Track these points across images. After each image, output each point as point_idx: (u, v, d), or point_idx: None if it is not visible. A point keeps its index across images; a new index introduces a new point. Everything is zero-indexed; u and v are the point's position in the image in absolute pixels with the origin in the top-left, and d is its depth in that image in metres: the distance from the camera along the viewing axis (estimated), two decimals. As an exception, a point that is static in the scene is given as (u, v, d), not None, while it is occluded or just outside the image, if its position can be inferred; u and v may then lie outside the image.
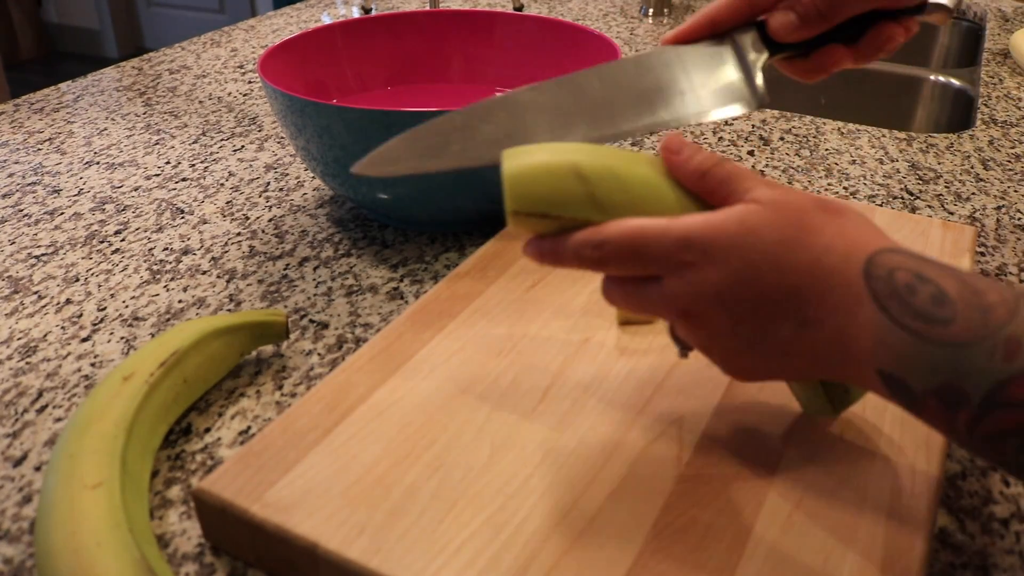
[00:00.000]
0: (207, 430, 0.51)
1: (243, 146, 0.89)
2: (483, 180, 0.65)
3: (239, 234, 0.72)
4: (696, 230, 0.37)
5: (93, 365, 0.57)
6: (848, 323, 0.35)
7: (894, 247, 0.36)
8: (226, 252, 0.69)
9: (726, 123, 0.94)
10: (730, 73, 0.46)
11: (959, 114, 1.14)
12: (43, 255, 0.70)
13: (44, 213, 0.76)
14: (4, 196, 0.79)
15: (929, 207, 0.76)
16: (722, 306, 0.37)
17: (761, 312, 0.37)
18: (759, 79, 0.46)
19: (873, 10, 0.46)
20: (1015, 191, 0.80)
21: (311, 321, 0.60)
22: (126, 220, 0.75)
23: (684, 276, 0.37)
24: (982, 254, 0.69)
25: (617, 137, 0.44)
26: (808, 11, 0.45)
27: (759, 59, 0.47)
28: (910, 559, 0.38)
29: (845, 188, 0.80)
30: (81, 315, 0.62)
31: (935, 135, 0.92)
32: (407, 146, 0.43)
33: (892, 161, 0.86)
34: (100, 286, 0.65)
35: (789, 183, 0.80)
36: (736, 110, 0.46)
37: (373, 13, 1.08)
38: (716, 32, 0.46)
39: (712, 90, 0.46)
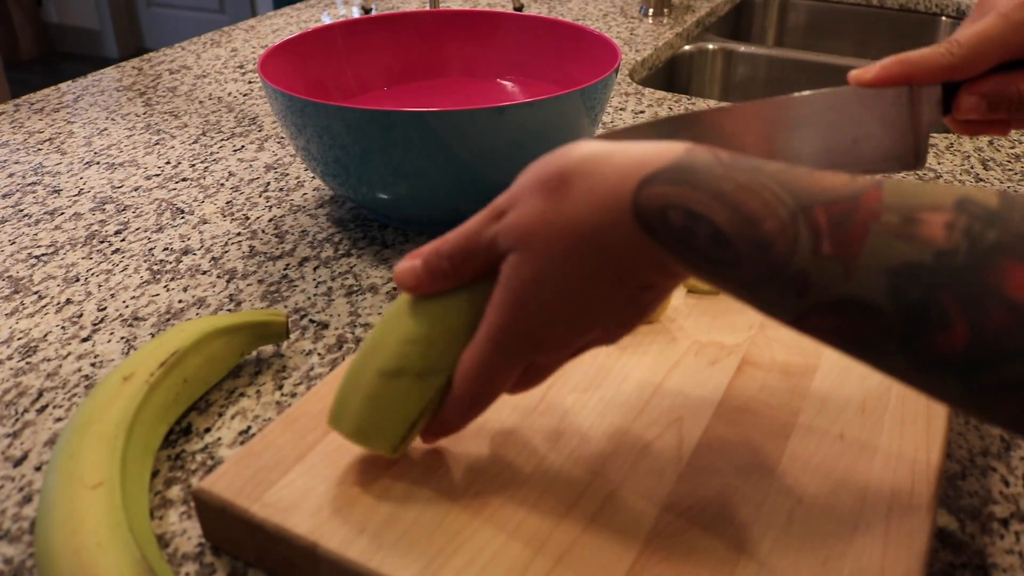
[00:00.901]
0: (207, 430, 0.51)
1: (243, 146, 0.89)
2: (483, 181, 0.65)
3: (239, 234, 0.72)
4: (503, 321, 0.37)
5: (93, 365, 0.57)
6: (668, 276, 0.36)
7: (647, 174, 0.34)
8: (226, 252, 0.70)
9: (726, 123, 0.94)
10: (901, 131, 0.46)
11: (959, 114, 1.14)
12: (43, 255, 0.70)
13: (44, 213, 0.76)
14: (4, 196, 0.79)
15: (929, 207, 0.76)
16: (564, 322, 0.37)
17: (601, 314, 0.37)
18: (925, 141, 0.46)
19: None
20: (1015, 191, 0.80)
21: (311, 321, 0.60)
22: (126, 220, 0.75)
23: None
24: (982, 254, 0.69)
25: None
26: (1000, 101, 0.45)
27: (937, 121, 0.46)
28: (910, 559, 0.38)
29: (845, 188, 0.80)
30: (81, 315, 0.62)
31: (935, 135, 0.92)
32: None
33: (892, 161, 0.86)
34: (100, 286, 0.65)
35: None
36: (895, 170, 0.46)
37: (373, 13, 1.08)
38: (906, 83, 0.45)
39: (881, 145, 0.45)
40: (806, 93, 0.45)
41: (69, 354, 0.58)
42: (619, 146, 0.36)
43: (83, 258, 0.69)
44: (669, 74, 1.26)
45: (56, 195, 0.79)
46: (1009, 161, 0.86)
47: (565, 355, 0.40)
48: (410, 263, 0.39)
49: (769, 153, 0.44)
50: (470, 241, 0.38)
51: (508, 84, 0.84)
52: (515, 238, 0.36)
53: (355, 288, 0.64)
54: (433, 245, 0.39)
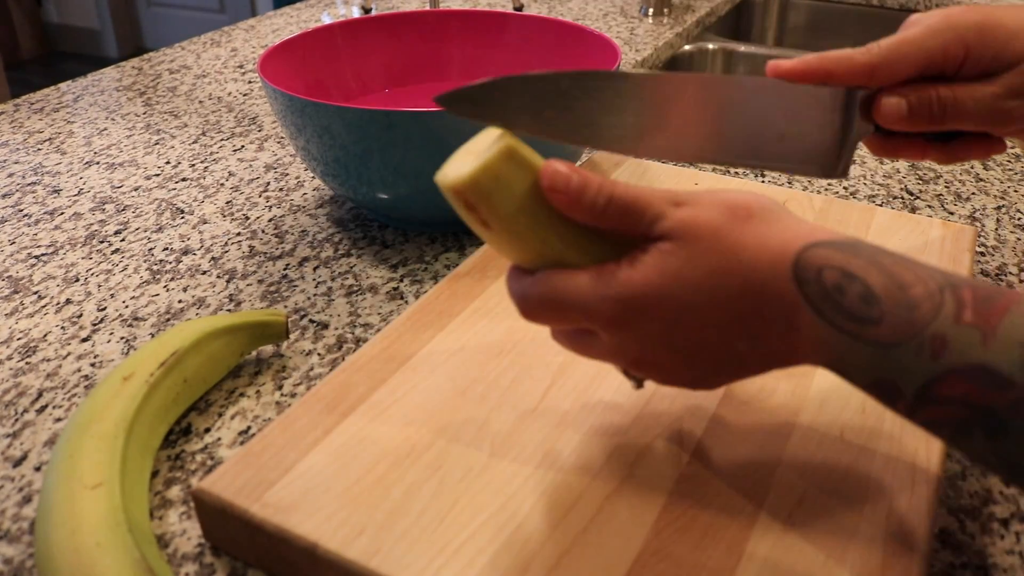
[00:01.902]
0: (207, 430, 0.51)
1: (243, 146, 0.89)
2: (483, 180, 0.65)
3: (239, 234, 0.72)
4: (619, 292, 0.36)
5: (93, 365, 0.57)
6: (789, 329, 0.36)
7: (816, 240, 0.36)
8: (226, 252, 0.69)
9: (726, 123, 0.94)
10: (829, 135, 0.46)
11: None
12: (43, 255, 0.70)
13: (44, 213, 0.76)
14: (4, 196, 0.79)
15: (929, 207, 0.76)
16: (670, 349, 0.37)
17: (709, 344, 0.37)
18: (849, 152, 0.46)
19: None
20: (1015, 191, 0.80)
21: (311, 321, 0.60)
22: (126, 220, 0.75)
23: (622, 333, 0.37)
24: (982, 254, 0.69)
25: (699, 160, 0.44)
26: (921, 107, 0.45)
27: (862, 133, 0.46)
28: (910, 559, 0.38)
29: (845, 188, 0.80)
30: (81, 315, 0.62)
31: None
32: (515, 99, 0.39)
33: (892, 161, 0.86)
34: (100, 286, 0.65)
35: (789, 183, 0.80)
36: (815, 174, 0.46)
37: (373, 13, 1.08)
38: (826, 83, 0.45)
39: (806, 146, 0.45)
40: (743, 77, 0.45)
41: (69, 354, 0.58)
42: (801, 217, 0.38)
43: (83, 258, 0.69)
44: (669, 74, 1.26)
45: (56, 195, 0.79)
46: (1009, 161, 0.86)
47: (618, 363, 0.40)
48: (571, 173, 0.37)
49: (696, 125, 0.44)
50: (640, 202, 0.37)
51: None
52: (683, 230, 0.36)
53: (355, 288, 0.64)
54: (603, 180, 0.37)
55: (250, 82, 1.08)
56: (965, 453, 0.33)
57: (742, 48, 1.30)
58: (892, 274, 0.34)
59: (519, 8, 1.26)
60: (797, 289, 0.35)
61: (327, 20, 1.36)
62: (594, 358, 0.40)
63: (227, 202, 0.78)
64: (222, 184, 0.81)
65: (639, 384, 0.43)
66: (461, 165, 0.37)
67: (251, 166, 0.85)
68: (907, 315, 0.33)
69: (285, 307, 0.62)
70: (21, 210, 0.77)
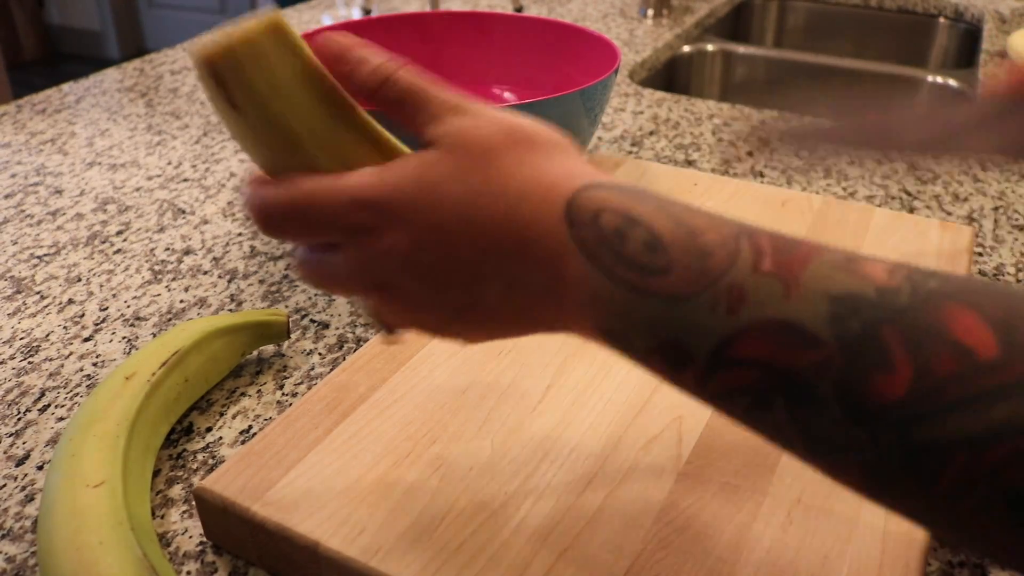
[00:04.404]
0: (208, 429, 0.51)
1: (244, 147, 0.89)
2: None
3: (240, 234, 0.72)
4: (368, 190, 0.32)
5: (95, 365, 0.57)
6: (556, 278, 0.31)
7: (596, 181, 0.31)
8: (227, 252, 0.70)
9: (726, 124, 0.95)
10: None
11: (958, 115, 1.14)
12: (45, 255, 0.70)
13: (46, 213, 0.76)
14: (7, 197, 0.80)
15: (927, 207, 0.77)
16: (414, 274, 0.33)
17: (458, 277, 0.32)
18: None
19: None
20: (1012, 191, 0.80)
21: (312, 321, 0.61)
22: (128, 220, 0.75)
23: (362, 242, 0.33)
24: (980, 254, 0.70)
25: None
26: None
27: None
28: (909, 558, 0.38)
29: (844, 188, 0.80)
30: (83, 315, 0.62)
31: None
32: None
33: (890, 161, 0.86)
34: (102, 286, 0.65)
35: (788, 184, 0.81)
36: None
37: (374, 14, 1.08)
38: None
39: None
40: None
41: (71, 354, 0.58)
42: (590, 162, 0.34)
43: (85, 258, 0.69)
44: (668, 75, 1.27)
45: (58, 196, 0.80)
46: (1007, 161, 0.86)
47: (357, 288, 0.35)
48: (355, 44, 0.35)
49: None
50: (419, 96, 0.34)
51: (508, 85, 0.85)
52: (453, 140, 0.32)
53: (356, 288, 0.64)
54: (389, 61, 0.35)
55: (251, 83, 1.09)
56: (762, 431, 0.29)
57: (741, 49, 1.30)
58: (681, 220, 0.30)
59: (519, 9, 1.27)
60: (568, 231, 0.30)
61: (327, 21, 1.36)
62: (336, 288, 0.36)
63: (228, 202, 0.78)
64: (223, 184, 0.81)
65: (390, 335, 0.39)
66: (220, 36, 0.33)
67: (252, 166, 0.85)
68: (699, 264, 0.28)
69: (286, 307, 0.62)
70: (23, 211, 0.77)
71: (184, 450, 0.49)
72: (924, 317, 0.26)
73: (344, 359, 0.56)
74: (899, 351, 0.25)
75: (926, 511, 0.26)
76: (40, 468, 0.49)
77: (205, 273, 0.67)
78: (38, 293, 0.65)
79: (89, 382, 0.55)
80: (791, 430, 0.28)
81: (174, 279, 0.66)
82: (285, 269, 0.67)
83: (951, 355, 0.25)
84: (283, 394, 0.54)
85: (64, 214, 0.76)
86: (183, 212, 0.76)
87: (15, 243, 0.72)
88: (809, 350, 0.26)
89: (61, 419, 0.52)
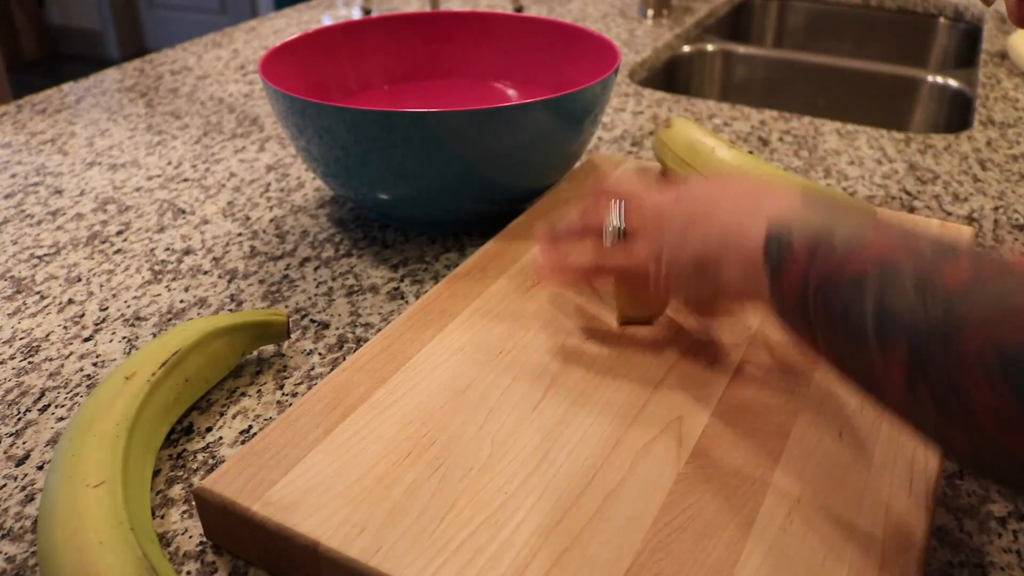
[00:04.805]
0: (208, 429, 0.51)
1: (244, 147, 0.90)
2: (483, 181, 0.65)
3: (240, 234, 0.72)
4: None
5: (95, 365, 0.57)
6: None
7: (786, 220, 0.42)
8: (227, 252, 0.70)
9: (725, 123, 0.95)
10: None
11: (957, 115, 1.14)
12: (45, 255, 0.70)
13: (47, 213, 0.76)
14: (7, 196, 0.80)
15: (927, 208, 0.77)
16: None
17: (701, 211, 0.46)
18: None
19: None
20: (1012, 192, 0.80)
21: (312, 321, 0.61)
22: (128, 220, 0.75)
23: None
24: (981, 254, 0.69)
25: None
26: None
27: None
28: (908, 557, 0.38)
29: (844, 188, 0.80)
30: (83, 315, 0.62)
31: (933, 136, 0.92)
32: None
33: (890, 162, 0.86)
34: (102, 286, 0.65)
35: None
36: None
37: (374, 14, 1.08)
38: None
39: None
40: None
41: (71, 354, 0.58)
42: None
43: (85, 258, 0.69)
44: (669, 75, 1.27)
45: (58, 196, 0.80)
46: (1007, 162, 0.86)
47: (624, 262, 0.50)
48: None
49: None
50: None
51: (508, 85, 0.85)
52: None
53: (355, 288, 0.64)
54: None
55: (251, 83, 1.09)
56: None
57: (741, 49, 1.30)
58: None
59: (519, 9, 1.27)
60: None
61: (328, 21, 1.36)
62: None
63: (228, 202, 0.78)
64: (223, 185, 0.81)
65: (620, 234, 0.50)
66: None
67: (252, 167, 0.85)
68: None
69: (286, 307, 0.62)
70: (24, 211, 0.77)
71: (184, 450, 0.49)
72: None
73: (344, 359, 0.56)
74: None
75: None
76: (40, 468, 0.49)
77: (205, 273, 0.67)
78: (38, 293, 0.65)
79: (89, 382, 0.55)
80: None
81: (174, 279, 0.66)
82: (285, 269, 0.67)
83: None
84: (283, 394, 0.54)
85: (64, 214, 0.76)
86: (183, 212, 0.76)
87: (15, 243, 0.72)
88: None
89: (61, 419, 0.52)
